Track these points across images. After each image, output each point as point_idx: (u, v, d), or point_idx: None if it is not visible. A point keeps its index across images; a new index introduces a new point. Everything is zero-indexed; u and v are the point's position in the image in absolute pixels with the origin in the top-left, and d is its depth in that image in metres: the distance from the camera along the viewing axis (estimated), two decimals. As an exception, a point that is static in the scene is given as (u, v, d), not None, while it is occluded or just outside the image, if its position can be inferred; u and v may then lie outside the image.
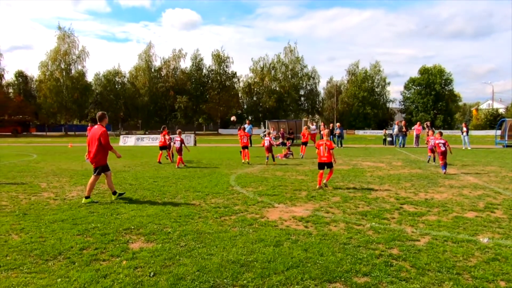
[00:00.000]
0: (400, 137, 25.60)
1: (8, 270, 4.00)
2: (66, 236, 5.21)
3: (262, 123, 73.27)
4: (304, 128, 20.48)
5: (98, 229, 5.54)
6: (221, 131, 72.36)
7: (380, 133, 62.06)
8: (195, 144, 29.55)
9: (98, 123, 7.94)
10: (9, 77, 72.25)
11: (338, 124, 26.19)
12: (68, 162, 15.95)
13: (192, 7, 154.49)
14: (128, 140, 31.05)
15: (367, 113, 77.72)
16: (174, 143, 15.03)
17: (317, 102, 80.00)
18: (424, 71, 79.18)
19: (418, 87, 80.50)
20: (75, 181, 10.47)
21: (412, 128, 29.82)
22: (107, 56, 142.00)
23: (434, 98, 76.58)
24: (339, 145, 25.47)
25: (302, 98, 77.85)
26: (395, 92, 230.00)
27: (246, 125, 27.47)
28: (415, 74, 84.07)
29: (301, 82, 75.14)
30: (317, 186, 9.00)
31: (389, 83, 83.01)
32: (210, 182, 10.03)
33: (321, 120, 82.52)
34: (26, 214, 6.56)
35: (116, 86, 70.93)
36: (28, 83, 77.23)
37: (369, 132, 69.15)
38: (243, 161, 15.17)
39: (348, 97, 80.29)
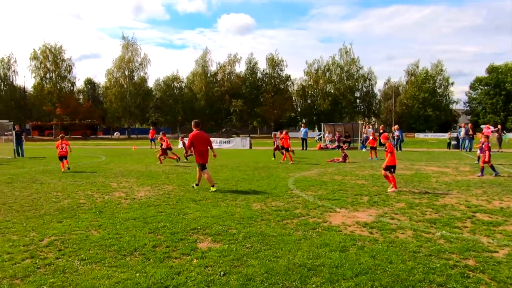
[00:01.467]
0: (467, 141, 24.01)
1: (92, 263, 4.35)
2: (139, 233, 5.55)
3: (316, 126, 72.50)
4: (371, 132, 20.24)
5: (167, 228, 5.84)
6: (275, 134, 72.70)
7: (443, 136, 58.67)
8: (250, 147, 29.93)
9: (199, 129, 9.81)
10: (79, 84, 78.26)
11: (396, 126, 25.15)
12: (133, 164, 16.92)
13: (246, 11, 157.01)
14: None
15: (428, 115, 73.89)
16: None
17: (374, 104, 77.47)
18: (492, 69, 73.63)
19: (486, 87, 75.01)
20: (141, 182, 11.07)
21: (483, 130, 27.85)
22: (165, 62, 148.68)
23: (505, 99, 70.88)
24: (398, 149, 24.45)
25: (358, 100, 75.81)
26: (459, 93, 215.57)
27: (302, 129, 27.33)
28: (482, 73, 78.45)
29: (357, 84, 73.24)
30: (394, 189, 9.11)
31: (452, 83, 78.38)
32: (269, 185, 10.12)
33: (378, 122, 79.89)
34: (102, 212, 7.08)
35: (175, 91, 73.98)
36: (96, 89, 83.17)
37: (430, 135, 65.59)
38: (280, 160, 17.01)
39: (408, 98, 76.90)
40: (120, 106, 67.56)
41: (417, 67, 78.63)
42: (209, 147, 9.78)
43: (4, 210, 7.31)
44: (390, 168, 9.14)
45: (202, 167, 9.52)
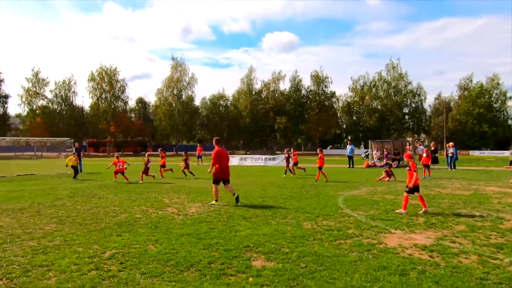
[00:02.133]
0: (530, 159, 22.32)
1: (152, 277, 4.51)
2: (194, 249, 5.68)
3: (362, 143, 70.84)
4: (425, 149, 19.60)
5: (220, 244, 5.92)
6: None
7: (501, 153, 54.97)
8: (294, 165, 29.68)
9: (220, 146, 10.48)
10: (131, 103, 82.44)
11: (451, 143, 23.92)
12: (183, 181, 17.41)
13: (290, 29, 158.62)
14: (232, 160, 32.67)
15: (484, 131, 69.68)
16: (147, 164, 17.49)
17: (424, 121, 74.45)
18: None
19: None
20: (192, 198, 11.36)
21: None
22: (211, 81, 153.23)
23: None
24: (452, 167, 23.22)
25: (407, 117, 73.25)
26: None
27: (348, 146, 26.83)
28: (544, 86, 72.94)
29: (405, 99, 70.97)
30: (403, 212, 8.69)
31: (510, 98, 73.59)
32: (318, 204, 9.99)
33: (428, 139, 76.50)
34: (157, 227, 7.33)
35: (221, 109, 75.80)
36: (147, 108, 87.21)
37: (487, 153, 61.64)
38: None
39: (461, 114, 73.15)
40: (169, 124, 70.25)
41: (471, 81, 74.92)
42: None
43: (69, 223, 7.79)
44: (414, 188, 8.76)
45: (226, 182, 10.33)
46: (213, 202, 10.20)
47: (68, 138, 25.19)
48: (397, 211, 8.71)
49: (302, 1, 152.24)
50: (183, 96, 72.00)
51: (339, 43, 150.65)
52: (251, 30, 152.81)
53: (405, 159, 9.67)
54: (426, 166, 17.79)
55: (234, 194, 10.20)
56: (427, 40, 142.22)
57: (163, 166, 19.42)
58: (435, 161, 22.88)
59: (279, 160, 30.61)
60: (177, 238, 6.36)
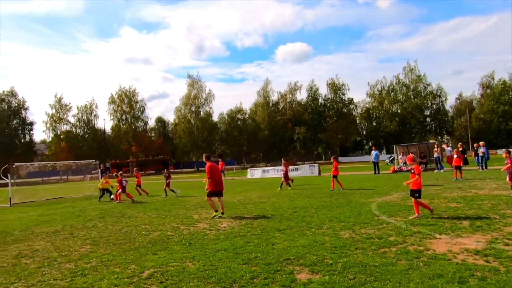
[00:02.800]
0: None
1: (195, 296, 4.35)
2: (233, 264, 5.50)
3: (384, 148, 69.58)
4: (454, 150, 19.03)
5: (259, 258, 5.73)
6: (340, 159, 70.79)
7: (531, 151, 52.84)
8: (319, 174, 29.34)
9: (210, 161, 11.01)
10: (151, 122, 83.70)
11: (482, 142, 23.08)
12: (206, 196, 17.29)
13: (302, 39, 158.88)
14: (255, 173, 32.54)
15: (510, 129, 67.33)
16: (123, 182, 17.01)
17: (446, 122, 72.63)
18: None
19: None
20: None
21: None
22: (227, 96, 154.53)
23: None
24: (484, 167, 22.37)
25: (428, 119, 71.67)
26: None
27: (372, 152, 26.29)
28: None
29: (425, 101, 69.50)
30: (415, 215, 8.44)
31: (535, 93, 71.04)
32: (351, 212, 9.68)
33: (452, 140, 74.50)
34: (191, 243, 7.20)
35: (239, 123, 76.06)
36: (166, 126, 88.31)
37: (516, 151, 59.25)
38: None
39: (484, 113, 71.06)
40: (189, 140, 70.80)
41: (493, 78, 72.84)
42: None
43: (103, 243, 7.75)
44: (415, 193, 8.52)
45: (219, 194, 10.66)
46: (214, 213, 10.56)
47: (94, 160, 25.61)
48: (411, 217, 8.36)
49: (312, 10, 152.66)
50: (201, 113, 72.63)
51: (352, 50, 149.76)
52: (263, 44, 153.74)
53: (407, 162, 9.27)
54: (458, 167, 17.17)
55: (222, 211, 10.54)
56: (441, 41, 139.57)
57: (138, 185, 19.38)
58: (465, 162, 22.12)
59: (303, 171, 30.31)
60: (214, 254, 6.20)
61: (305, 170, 30.32)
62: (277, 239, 7.07)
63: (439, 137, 73.92)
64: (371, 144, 78.23)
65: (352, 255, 5.59)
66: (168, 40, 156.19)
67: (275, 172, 31.41)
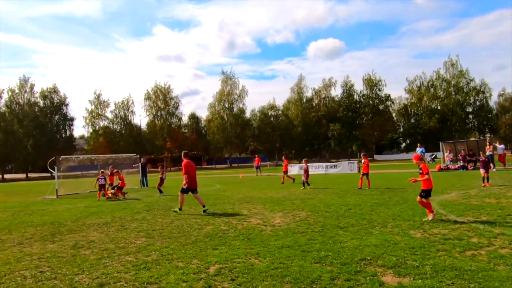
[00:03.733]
0: None
1: (275, 296, 3.97)
2: (305, 263, 5.09)
3: (423, 145, 66.92)
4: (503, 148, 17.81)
5: (331, 258, 5.29)
6: (376, 157, 68.89)
7: None
8: (359, 171, 28.42)
9: (188, 158, 11.12)
10: (184, 119, 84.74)
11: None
12: (250, 191, 17.02)
13: (334, 35, 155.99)
14: (292, 169, 31.99)
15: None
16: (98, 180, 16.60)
17: (490, 119, 68.89)
18: None
19: None
20: (270, 208, 10.84)
21: None
22: (257, 93, 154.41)
23: None
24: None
25: (471, 116, 68.24)
26: None
27: (418, 148, 25.14)
28: None
29: (467, 97, 66.20)
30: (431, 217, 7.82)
31: None
32: (413, 210, 9.03)
33: (495, 138, 70.66)
34: (250, 239, 6.85)
35: (271, 119, 75.56)
36: (198, 123, 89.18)
37: None
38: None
39: (532, 110, 66.99)
40: (222, 137, 71.09)
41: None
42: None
43: (157, 236, 7.56)
44: (423, 192, 8.00)
45: (194, 191, 10.88)
46: (177, 209, 10.79)
47: (134, 154, 25.96)
48: (424, 219, 7.78)
49: (344, 5, 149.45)
50: (235, 109, 72.68)
51: (385, 46, 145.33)
52: (295, 40, 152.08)
53: (414, 162, 8.53)
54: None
55: (203, 206, 10.65)
56: (480, 35, 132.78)
57: (120, 187, 17.58)
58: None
59: (341, 168, 29.52)
60: (279, 251, 5.82)
61: (344, 167, 29.52)
62: (342, 237, 6.60)
63: (481, 135, 70.30)
64: (408, 142, 75.77)
65: (436, 257, 5.04)
66: (200, 38, 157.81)
67: (313, 169, 30.73)
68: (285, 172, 21.65)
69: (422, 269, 4.57)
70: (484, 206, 9.20)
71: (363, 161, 16.25)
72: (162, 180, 17.11)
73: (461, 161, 23.93)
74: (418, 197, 8.05)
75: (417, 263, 4.81)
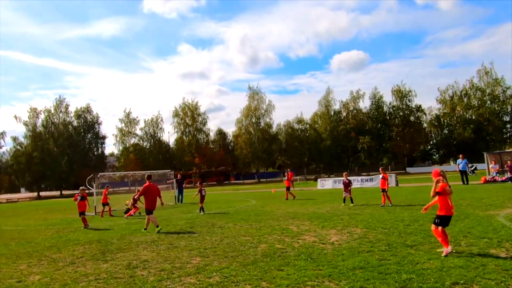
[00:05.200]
0: None
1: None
2: (390, 287, 4.59)
3: (457, 157, 64.42)
4: None
5: (417, 282, 4.78)
6: (408, 169, 66.78)
7: None
8: (397, 184, 27.43)
9: (151, 181, 11.78)
10: (211, 135, 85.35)
11: None
12: (289, 206, 16.53)
13: (357, 47, 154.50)
14: (325, 184, 31.30)
15: None
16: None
17: (530, 128, 65.63)
18: None
19: None
20: (320, 224, 10.33)
21: None
22: (281, 107, 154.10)
23: None
24: None
25: (508, 125, 65.30)
26: None
27: (459, 160, 23.96)
28: None
29: (504, 106, 63.50)
30: (445, 252, 6.05)
31: None
32: (481, 226, 8.33)
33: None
34: (313, 259, 6.41)
35: (299, 133, 74.98)
36: (225, 138, 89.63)
37: None
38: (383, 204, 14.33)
39: None
40: (249, 152, 71.00)
41: None
42: (158, 197, 11.93)
43: (212, 255, 7.22)
44: (437, 218, 6.33)
45: (149, 212, 11.32)
46: (157, 229, 10.93)
47: (169, 170, 26.03)
48: (439, 250, 6.26)
49: (368, 15, 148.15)
50: (262, 124, 72.67)
51: (410, 57, 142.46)
52: (318, 53, 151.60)
53: (433, 178, 6.72)
54: None
55: (146, 227, 11.42)
56: (509, 42, 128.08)
57: (105, 204, 18.05)
58: None
59: (377, 181, 28.51)
60: (353, 273, 5.34)
61: (380, 181, 28.49)
62: (417, 257, 6.04)
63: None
64: (442, 153, 73.18)
65: (543, 282, 4.44)
66: (223, 54, 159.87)
67: (347, 182, 29.91)
68: (288, 188, 21.62)
69: (535, 296, 3.99)
70: (562, 221, 8.38)
71: (381, 175, 15.04)
72: (203, 197, 16.05)
73: (509, 173, 22.59)
74: (432, 225, 6.43)
75: (524, 289, 4.23)
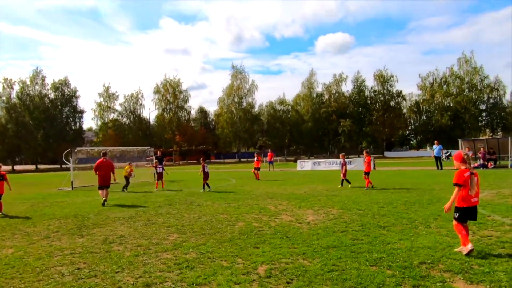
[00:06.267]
0: None
1: (343, 303, 3.65)
2: (360, 266, 4.76)
3: (434, 143, 66.07)
4: None
5: (387, 260, 4.95)
6: (386, 154, 68.15)
7: None
8: (374, 168, 27.99)
9: (105, 158, 12.76)
10: (193, 113, 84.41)
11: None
12: (269, 186, 16.71)
13: (344, 30, 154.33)
14: (305, 165, 31.67)
15: None
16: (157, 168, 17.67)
17: (503, 117, 67.63)
18: None
19: None
20: (297, 205, 10.50)
21: None
22: (264, 88, 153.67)
23: None
24: None
25: (484, 114, 67.12)
26: None
27: (434, 146, 24.60)
28: None
29: (481, 95, 65.07)
30: (466, 250, 5.03)
31: None
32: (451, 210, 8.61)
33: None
34: (289, 237, 6.54)
35: (281, 115, 75.02)
36: (207, 117, 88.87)
37: None
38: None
39: (546, 108, 65.67)
40: (231, 131, 70.81)
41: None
42: (111, 172, 12.77)
43: (189, 232, 7.27)
44: (456, 211, 5.34)
45: (106, 187, 12.37)
46: (103, 202, 11.89)
47: (148, 147, 25.75)
48: (457, 249, 5.27)
49: (355, 0, 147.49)
50: (244, 104, 72.30)
51: (394, 42, 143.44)
52: (304, 34, 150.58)
53: (455, 162, 5.62)
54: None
55: (105, 200, 12.04)
56: (491, 31, 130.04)
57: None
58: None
59: (356, 164, 29.06)
60: (327, 251, 5.49)
61: (358, 164, 28.99)
62: (388, 237, 6.25)
63: (492, 134, 69.20)
64: (419, 139, 74.82)
65: (504, 263, 4.68)
66: (207, 31, 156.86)
67: (327, 165, 30.42)
68: (257, 168, 22.13)
69: (495, 276, 4.21)
70: (526, 207, 8.78)
71: (365, 158, 15.04)
72: (206, 173, 15.41)
73: (481, 160, 23.39)
74: (454, 221, 5.45)
75: (487, 269, 4.45)
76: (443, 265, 4.68)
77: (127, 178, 17.88)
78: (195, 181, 19.56)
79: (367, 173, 14.60)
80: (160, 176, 17.60)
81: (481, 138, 34.46)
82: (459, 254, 5.08)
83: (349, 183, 15.14)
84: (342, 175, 15.43)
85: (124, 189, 16.95)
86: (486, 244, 5.58)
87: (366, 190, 13.68)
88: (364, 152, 15.74)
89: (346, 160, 16.84)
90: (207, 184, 15.44)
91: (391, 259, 4.99)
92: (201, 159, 16.87)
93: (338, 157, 41.65)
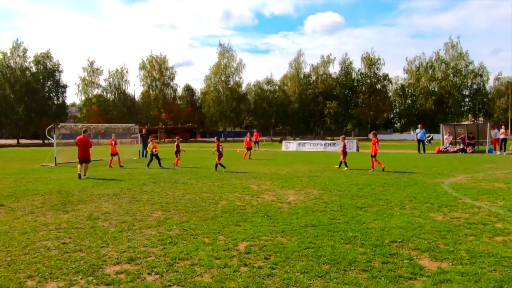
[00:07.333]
0: None
1: (316, 278, 3.91)
2: (336, 244, 5.03)
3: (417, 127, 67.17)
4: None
5: (360, 239, 5.23)
6: (370, 136, 69.01)
7: None
8: (357, 150, 28.54)
9: (84, 135, 13.68)
10: (179, 90, 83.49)
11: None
12: (254, 166, 16.96)
13: (333, 9, 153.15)
14: (290, 146, 32.01)
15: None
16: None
17: (486, 103, 69.04)
18: None
19: None
20: (280, 185, 10.77)
21: None
22: (252, 67, 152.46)
23: None
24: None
25: (467, 99, 68.36)
26: None
27: (418, 130, 25.13)
28: None
29: (465, 80, 66.09)
30: None
31: None
32: (426, 193, 9.01)
33: (490, 123, 71.08)
34: (270, 216, 6.79)
35: (268, 95, 74.89)
36: (193, 95, 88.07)
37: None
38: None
39: (527, 95, 67.28)
40: (217, 110, 70.54)
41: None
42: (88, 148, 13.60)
43: (173, 210, 7.45)
44: None
45: (87, 162, 13.34)
46: (79, 175, 12.82)
47: (134, 124, 25.60)
48: None
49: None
50: (231, 82, 71.84)
51: (382, 24, 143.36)
52: (294, 12, 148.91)
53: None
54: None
55: (84, 174, 13.03)
56: (479, 17, 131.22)
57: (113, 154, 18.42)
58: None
59: (339, 146, 29.48)
60: (305, 230, 5.75)
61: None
62: (364, 217, 6.55)
63: (474, 119, 70.75)
64: (403, 122, 75.94)
65: (468, 242, 5.02)
66: (194, 7, 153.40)
67: (311, 146, 30.79)
68: (248, 148, 22.46)
69: (458, 254, 4.53)
70: (498, 190, 9.21)
71: (372, 141, 14.74)
72: (220, 153, 15.17)
73: (461, 144, 24.05)
74: None
75: (451, 248, 4.77)
76: (412, 244, 4.99)
77: (155, 155, 16.92)
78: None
79: (374, 155, 14.37)
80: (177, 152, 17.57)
81: (462, 123, 35.22)
82: (428, 234, 5.40)
83: (347, 166, 14.96)
84: (342, 157, 15.24)
85: (160, 166, 16.54)
86: (454, 225, 5.92)
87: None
88: (371, 134, 15.26)
89: (331, 141, 17.07)
90: (221, 164, 14.87)
91: (365, 238, 5.28)
92: (215, 138, 16.22)
93: (323, 139, 41.95)
